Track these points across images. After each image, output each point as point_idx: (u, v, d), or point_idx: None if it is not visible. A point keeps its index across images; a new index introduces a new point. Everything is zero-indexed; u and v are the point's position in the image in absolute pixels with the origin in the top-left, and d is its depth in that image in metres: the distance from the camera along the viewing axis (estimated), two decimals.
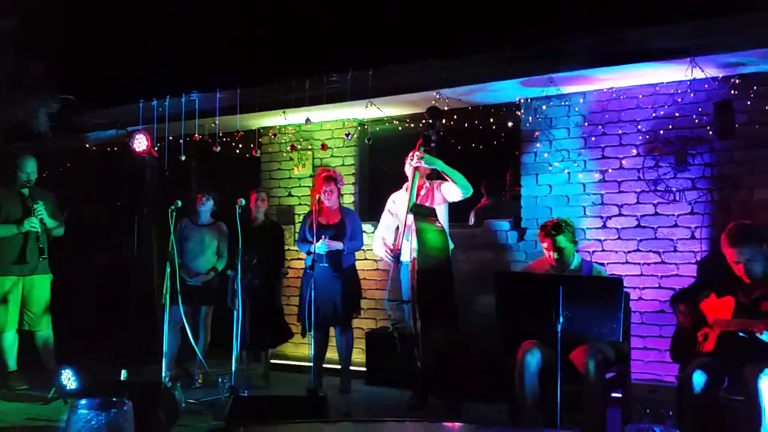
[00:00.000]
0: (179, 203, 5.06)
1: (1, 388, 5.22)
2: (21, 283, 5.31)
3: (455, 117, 5.49)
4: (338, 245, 5.18)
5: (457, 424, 2.17)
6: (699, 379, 3.41)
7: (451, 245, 4.85)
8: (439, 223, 4.73)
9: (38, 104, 6.30)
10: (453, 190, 4.78)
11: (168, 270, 4.96)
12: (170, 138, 6.30)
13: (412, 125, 5.87)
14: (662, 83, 4.92)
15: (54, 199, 5.54)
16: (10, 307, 5.26)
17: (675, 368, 3.99)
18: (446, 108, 5.23)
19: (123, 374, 4.79)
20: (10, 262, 5.24)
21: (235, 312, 4.95)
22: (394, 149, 5.44)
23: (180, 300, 5.04)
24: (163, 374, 4.95)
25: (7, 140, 6.39)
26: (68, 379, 4.71)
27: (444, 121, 4.86)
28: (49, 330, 5.43)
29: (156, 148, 6.13)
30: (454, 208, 5.08)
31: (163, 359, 4.94)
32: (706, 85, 4.72)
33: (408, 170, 4.96)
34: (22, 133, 6.35)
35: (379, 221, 5.27)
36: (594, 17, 4.89)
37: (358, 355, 5.73)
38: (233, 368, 4.89)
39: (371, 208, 6.25)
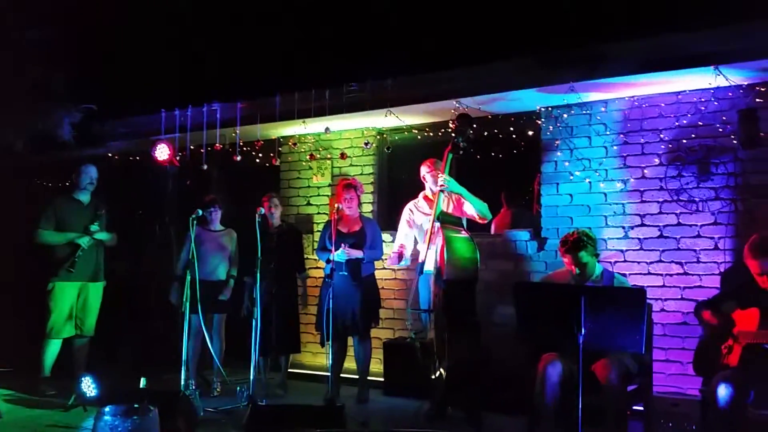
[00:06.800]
0: (200, 212, 5.12)
1: (32, 394, 5.28)
2: (78, 288, 5.43)
3: (474, 126, 5.46)
4: (358, 254, 5.18)
5: None
6: (724, 392, 3.35)
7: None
8: (466, 231, 4.72)
9: (62, 114, 6.39)
10: (472, 211, 4.83)
11: (188, 278, 5.00)
12: (191, 147, 6.35)
13: (431, 134, 5.87)
14: (685, 91, 4.87)
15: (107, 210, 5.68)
16: (64, 313, 5.39)
17: (698, 381, 3.92)
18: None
19: (142, 382, 4.81)
20: (68, 267, 5.36)
21: (253, 320, 4.95)
22: (414, 158, 5.43)
23: (199, 308, 5.07)
24: (184, 382, 4.96)
25: (29, 149, 6.50)
26: (88, 386, 4.74)
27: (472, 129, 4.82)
28: (89, 337, 5.55)
29: (177, 158, 6.19)
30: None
31: (182, 367, 4.96)
32: (730, 93, 4.66)
33: (426, 178, 4.97)
34: (45, 142, 6.45)
35: (396, 230, 5.26)
36: (615, 25, 4.87)
37: (376, 365, 5.71)
38: (251, 377, 4.89)
39: (390, 217, 6.24)
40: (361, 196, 5.52)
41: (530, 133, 5.46)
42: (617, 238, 5.12)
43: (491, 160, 5.64)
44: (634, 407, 3.94)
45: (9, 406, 5.01)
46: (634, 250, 5.06)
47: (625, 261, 5.08)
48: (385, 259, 5.37)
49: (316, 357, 6.36)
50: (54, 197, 5.63)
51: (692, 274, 4.85)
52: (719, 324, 3.69)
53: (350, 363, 5.55)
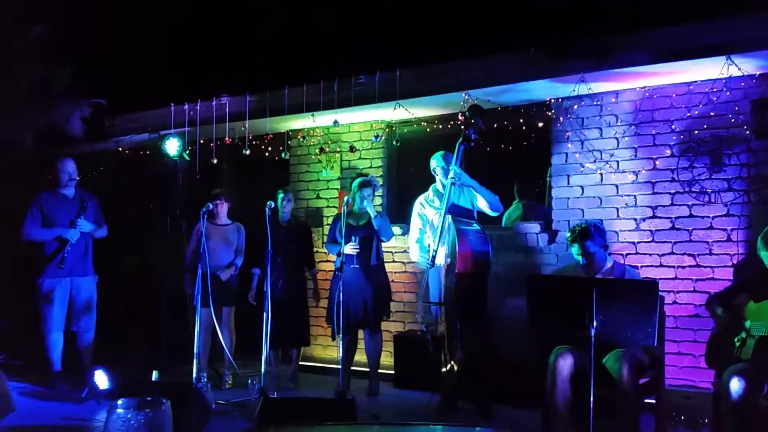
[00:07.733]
0: (210, 206, 5.13)
1: (44, 388, 5.32)
2: (69, 284, 5.41)
3: (485, 117, 5.42)
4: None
5: (488, 429, 2.14)
6: (737, 385, 3.32)
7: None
8: (477, 224, 4.71)
9: (72, 109, 6.41)
10: (483, 205, 4.81)
11: (199, 271, 5.02)
12: (201, 141, 6.37)
13: (441, 126, 5.85)
14: (696, 81, 4.82)
15: (96, 201, 5.65)
16: (57, 308, 5.37)
17: (710, 374, 3.90)
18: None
19: (154, 375, 4.84)
20: (58, 263, 5.33)
21: (264, 313, 4.96)
22: (423, 151, 5.42)
23: (210, 301, 5.09)
24: (196, 375, 4.99)
25: (38, 145, 6.52)
26: (101, 379, 4.78)
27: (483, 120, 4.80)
28: (92, 331, 5.53)
29: (187, 152, 6.20)
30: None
31: (194, 360, 4.98)
32: (743, 83, 4.61)
33: (437, 171, 4.96)
34: (54, 137, 6.47)
35: (406, 223, 5.25)
36: (626, 14, 4.82)
37: (387, 358, 5.71)
38: (262, 370, 4.91)
39: (400, 210, 6.24)
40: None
41: (541, 124, 5.43)
42: (629, 230, 5.09)
43: (502, 152, 5.61)
44: (646, 400, 3.92)
45: (23, 398, 5.05)
46: (646, 242, 5.03)
47: (636, 253, 5.05)
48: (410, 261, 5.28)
49: (326, 350, 6.38)
50: (39, 193, 5.52)
51: (705, 266, 4.81)
52: (731, 317, 3.66)
53: (361, 356, 5.56)
